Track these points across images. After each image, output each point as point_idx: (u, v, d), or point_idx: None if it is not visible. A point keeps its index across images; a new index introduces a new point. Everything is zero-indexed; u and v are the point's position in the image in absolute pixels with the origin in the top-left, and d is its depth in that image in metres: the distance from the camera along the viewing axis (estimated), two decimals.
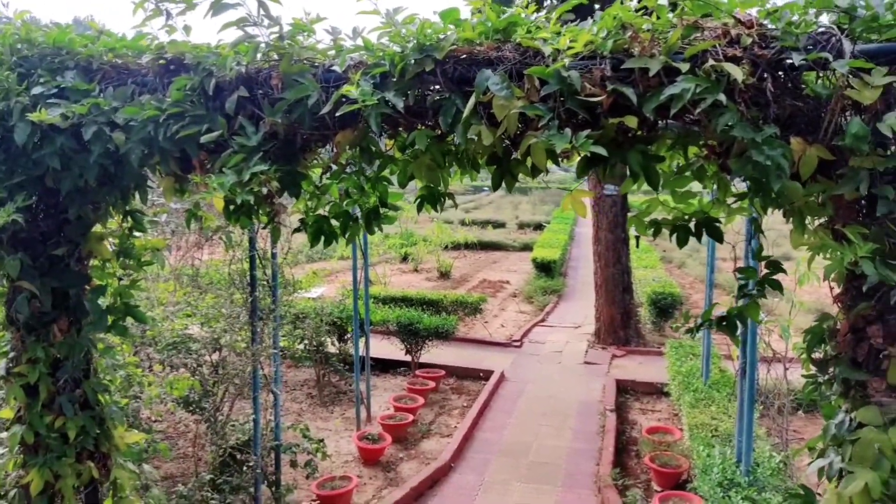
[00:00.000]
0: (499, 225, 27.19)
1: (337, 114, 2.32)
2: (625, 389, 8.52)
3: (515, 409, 7.81)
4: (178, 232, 5.00)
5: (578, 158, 2.46)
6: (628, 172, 2.37)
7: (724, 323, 2.43)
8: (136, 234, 3.09)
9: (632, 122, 2.11)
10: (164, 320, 6.06)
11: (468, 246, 21.33)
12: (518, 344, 10.45)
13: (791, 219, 2.19)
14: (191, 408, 5.78)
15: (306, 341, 7.97)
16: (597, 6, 2.64)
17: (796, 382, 6.68)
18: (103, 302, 3.06)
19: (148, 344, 6.03)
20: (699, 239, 2.52)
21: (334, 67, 2.46)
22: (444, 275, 16.79)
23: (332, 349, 8.47)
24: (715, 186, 2.59)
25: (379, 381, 8.77)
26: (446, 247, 19.21)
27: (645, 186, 2.42)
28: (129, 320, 3.10)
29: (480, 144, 2.37)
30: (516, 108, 2.16)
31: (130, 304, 3.06)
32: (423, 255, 18.19)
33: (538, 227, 26.20)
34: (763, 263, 2.47)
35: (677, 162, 2.63)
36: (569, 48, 2.13)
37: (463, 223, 26.82)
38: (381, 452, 6.49)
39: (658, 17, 2.25)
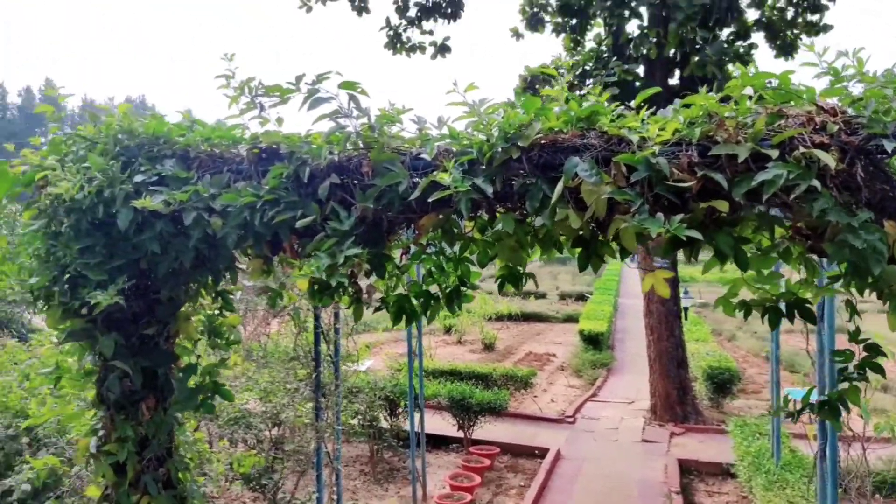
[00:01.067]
0: (540, 295, 27.00)
1: (430, 199, 2.41)
2: (687, 469, 8.20)
3: (574, 490, 7.57)
4: (250, 308, 5.13)
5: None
6: (714, 253, 2.39)
7: (826, 408, 2.37)
8: (226, 313, 3.19)
9: (723, 206, 2.15)
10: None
11: (511, 317, 21.22)
12: (571, 420, 10.21)
13: (888, 302, 2.17)
14: (251, 484, 5.77)
15: (360, 416, 7.94)
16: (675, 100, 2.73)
17: (877, 464, 6.37)
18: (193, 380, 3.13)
19: (209, 419, 6.10)
20: (791, 320, 2.49)
21: (423, 155, 2.58)
22: (489, 346, 16.67)
23: (384, 424, 8.41)
24: (801, 267, 2.59)
25: (432, 458, 8.62)
26: (489, 318, 19.14)
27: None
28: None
29: (567, 227, 2.43)
30: (605, 193, 2.22)
31: (218, 383, 3.14)
32: (466, 326, 18.13)
33: (580, 297, 25.97)
34: (860, 346, 2.42)
35: (759, 241, 2.64)
36: (657, 136, 2.20)
37: (504, 294, 26.65)
38: None
39: (736, 104, 2.33)
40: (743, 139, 2.20)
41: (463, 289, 3.07)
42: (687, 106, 2.33)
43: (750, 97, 2.34)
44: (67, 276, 2.88)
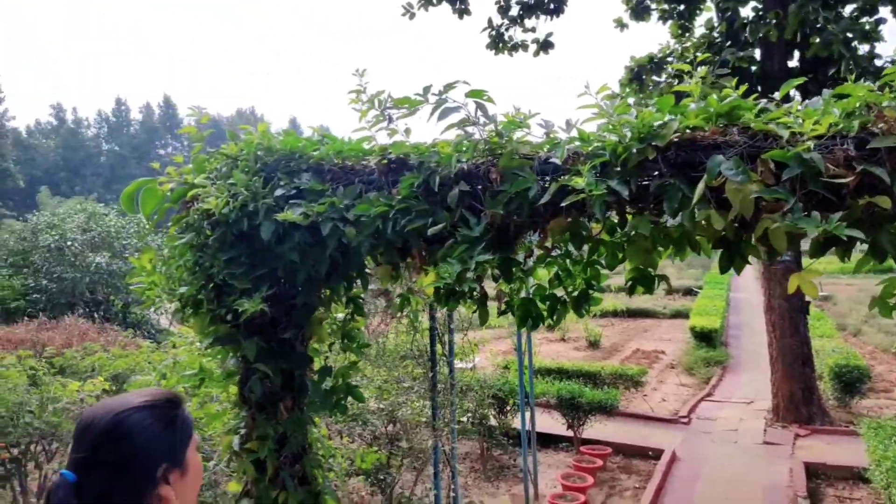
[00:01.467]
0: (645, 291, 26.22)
1: (563, 204, 2.40)
2: (815, 473, 7.74)
3: (694, 494, 7.32)
4: (371, 311, 5.31)
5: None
6: (868, 250, 2.25)
7: None
8: (356, 318, 3.30)
9: (885, 202, 2.01)
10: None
11: (615, 313, 20.77)
12: (686, 420, 9.87)
13: None
14: (369, 479, 5.95)
15: (470, 414, 8.01)
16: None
17: None
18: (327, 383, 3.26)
19: (327, 415, 6.33)
20: None
21: (552, 159, 2.57)
22: (593, 344, 16.39)
23: (493, 422, 8.44)
24: None
25: (542, 457, 8.58)
26: (593, 315, 18.80)
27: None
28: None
29: (707, 228, 2.35)
30: (753, 192, 2.13)
31: (351, 385, 3.26)
32: (569, 323, 17.89)
33: (688, 292, 25.02)
34: None
35: None
36: (812, 130, 2.09)
37: (608, 289, 26.11)
38: None
39: (892, 91, 2.17)
40: None
41: (591, 292, 3.03)
42: (840, 97, 2.20)
43: None
44: (213, 285, 3.08)
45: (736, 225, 2.32)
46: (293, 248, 2.92)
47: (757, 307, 19.21)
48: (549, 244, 3.02)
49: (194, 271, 3.14)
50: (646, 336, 17.95)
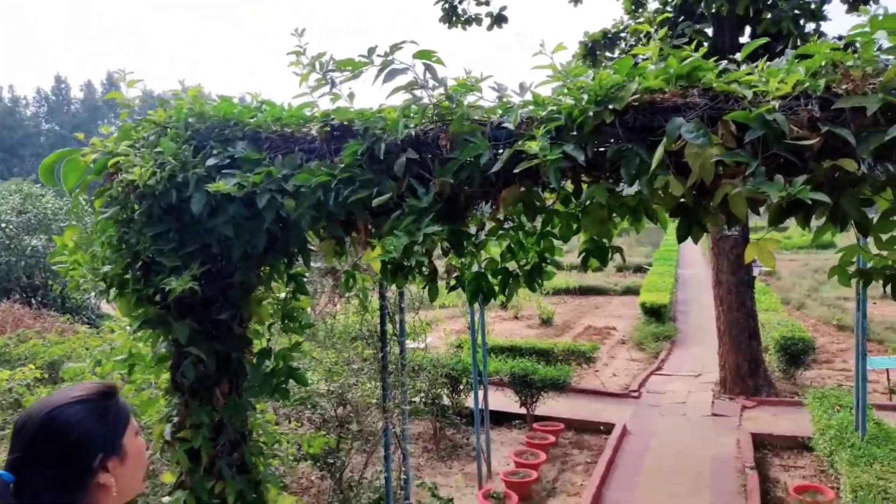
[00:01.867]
0: (596, 268, 26.56)
1: (515, 170, 2.25)
2: (761, 444, 7.91)
3: (643, 467, 7.39)
4: (317, 290, 5.09)
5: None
6: (829, 218, 2.17)
7: None
8: (298, 296, 3.11)
9: (850, 164, 1.92)
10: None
11: (567, 291, 20.94)
12: (636, 394, 9.98)
13: None
14: (318, 463, 5.78)
15: (422, 394, 7.90)
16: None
17: None
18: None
19: (275, 399, 6.13)
20: None
21: (505, 124, 2.41)
22: (546, 321, 16.48)
23: (446, 401, 8.35)
24: None
25: (495, 435, 8.55)
26: (546, 292, 18.91)
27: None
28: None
29: (665, 196, 2.25)
30: (713, 156, 2.02)
31: (293, 367, 3.07)
32: (522, 301, 17.95)
33: (638, 269, 25.44)
34: None
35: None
36: (777, 90, 1.98)
37: (559, 267, 26.45)
38: None
39: (855, 52, 2.08)
40: (870, 90, 1.96)
41: (544, 265, 2.91)
42: (803, 56, 2.10)
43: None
44: (140, 263, 2.85)
45: (695, 193, 2.21)
46: (227, 221, 2.70)
47: (704, 283, 19.68)
48: (501, 216, 2.88)
49: (119, 248, 2.89)
50: (597, 313, 18.16)
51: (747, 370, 9.62)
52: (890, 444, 5.89)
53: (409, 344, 9.94)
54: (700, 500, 6.51)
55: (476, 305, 7.30)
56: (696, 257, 30.39)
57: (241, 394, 3.13)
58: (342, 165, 2.58)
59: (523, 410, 8.91)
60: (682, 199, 2.25)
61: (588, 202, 2.60)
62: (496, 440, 8.36)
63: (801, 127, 1.99)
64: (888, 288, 2.29)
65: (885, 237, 2.35)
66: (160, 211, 2.74)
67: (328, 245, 2.94)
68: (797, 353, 10.05)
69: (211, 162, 2.70)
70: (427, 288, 3.00)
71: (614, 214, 2.52)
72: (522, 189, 2.55)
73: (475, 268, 3.02)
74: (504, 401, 9.01)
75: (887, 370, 8.85)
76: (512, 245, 2.86)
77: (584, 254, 2.72)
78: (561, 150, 2.23)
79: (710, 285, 10.56)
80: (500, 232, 2.90)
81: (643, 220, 2.65)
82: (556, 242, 2.96)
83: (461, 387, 8.61)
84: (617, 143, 2.25)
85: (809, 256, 27.51)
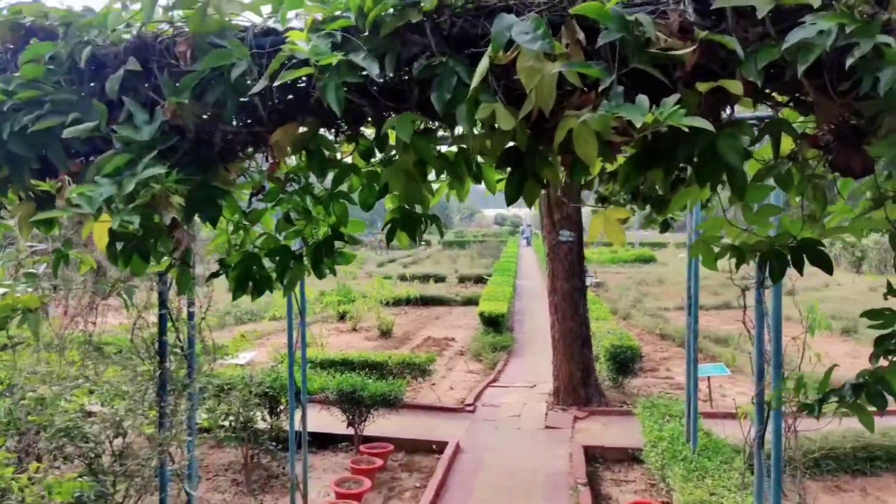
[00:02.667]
0: (439, 279, 26.54)
1: (276, 83, 1.52)
2: (593, 457, 7.72)
3: (475, 486, 6.87)
4: (67, 287, 3.97)
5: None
6: (696, 173, 1.65)
7: (867, 393, 1.68)
8: None
9: (736, 87, 1.40)
10: (57, 399, 4.93)
11: (409, 301, 20.46)
12: (471, 408, 9.55)
13: None
14: None
15: (231, 418, 6.84)
16: None
17: (805, 439, 6.03)
18: None
19: (35, 431, 4.87)
20: (800, 270, 1.79)
21: (272, 24, 1.67)
22: (386, 333, 15.80)
23: (262, 424, 7.33)
24: (799, 199, 1.91)
25: (317, 460, 7.67)
26: (387, 303, 18.25)
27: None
28: None
29: (492, 138, 1.62)
30: (555, 69, 1.41)
31: None
32: (362, 312, 17.14)
33: (479, 280, 25.64)
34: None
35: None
36: None
37: (402, 278, 25.97)
38: None
39: None
40: None
41: (338, 243, 2.19)
42: None
43: None
44: None
45: (530, 133, 1.60)
46: None
47: (539, 293, 20.11)
48: (281, 174, 2.13)
49: None
50: (437, 324, 17.79)
51: (580, 379, 9.53)
52: (720, 456, 5.81)
53: (229, 360, 8.83)
54: None
55: (296, 312, 6.39)
56: (532, 268, 31.74)
57: None
58: (23, 80, 1.70)
59: (351, 431, 8.09)
60: (513, 143, 1.63)
61: (393, 153, 1.93)
62: (317, 467, 7.49)
63: (670, 35, 1.44)
64: (769, 265, 1.82)
65: (755, 207, 1.90)
66: None
67: (25, 209, 2.03)
68: (626, 361, 10.17)
69: None
70: (177, 274, 2.18)
71: (427, 168, 1.86)
72: (304, 130, 1.82)
73: (250, 247, 2.24)
74: (329, 420, 8.15)
75: (709, 377, 9.09)
76: (293, 214, 2.12)
77: (389, 225, 2.03)
78: (347, 58, 1.52)
79: (545, 294, 10.43)
80: (281, 196, 2.15)
81: (468, 182, 2.02)
82: (361, 215, 2.27)
83: (280, 408, 7.63)
84: (427, 58, 1.59)
85: (633, 269, 30.40)
